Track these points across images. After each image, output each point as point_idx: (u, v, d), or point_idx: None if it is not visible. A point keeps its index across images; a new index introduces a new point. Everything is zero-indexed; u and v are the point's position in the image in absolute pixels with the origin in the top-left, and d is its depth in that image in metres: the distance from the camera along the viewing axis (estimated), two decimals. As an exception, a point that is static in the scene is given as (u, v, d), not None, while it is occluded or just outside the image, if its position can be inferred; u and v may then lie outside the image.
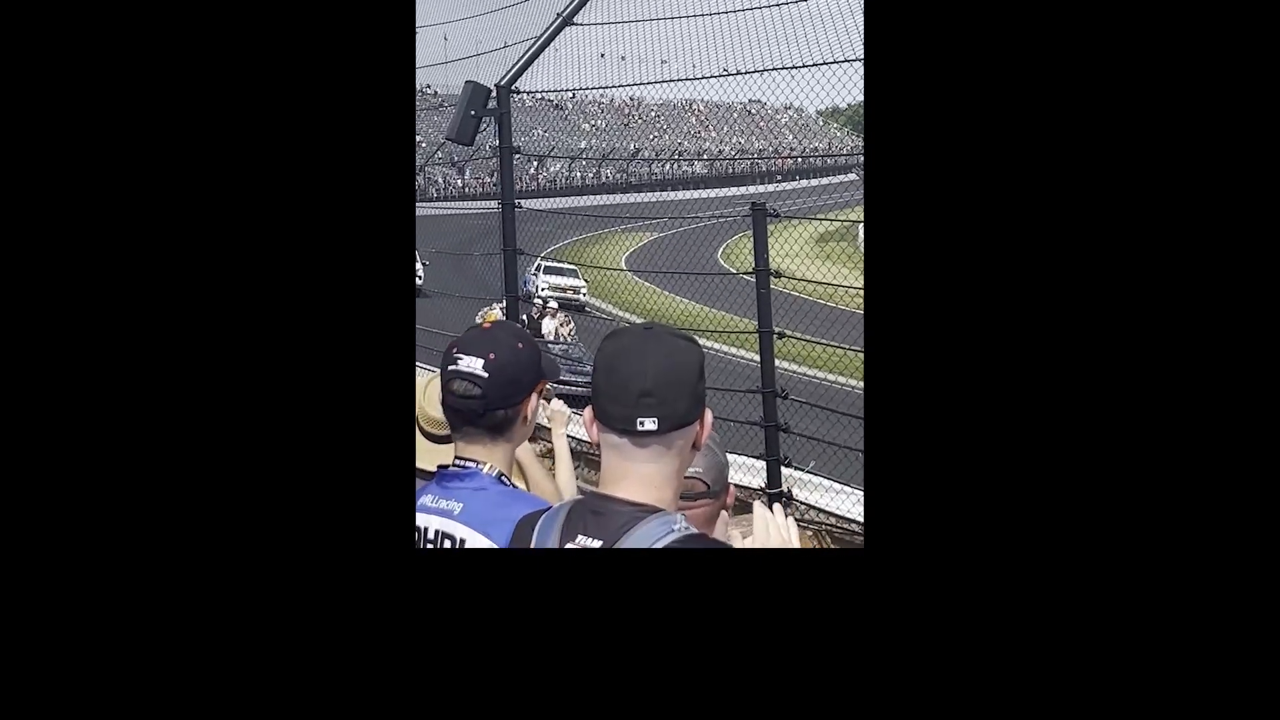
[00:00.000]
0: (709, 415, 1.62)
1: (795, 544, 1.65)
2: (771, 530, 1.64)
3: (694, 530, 1.58)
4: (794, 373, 9.65)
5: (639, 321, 1.73)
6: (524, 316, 13.37)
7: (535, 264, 21.07)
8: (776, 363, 5.67)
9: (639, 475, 1.56)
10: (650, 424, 1.53)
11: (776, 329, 5.63)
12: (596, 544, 1.53)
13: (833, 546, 5.42)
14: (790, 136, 61.22)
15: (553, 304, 15.58)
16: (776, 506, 1.71)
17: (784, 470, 5.64)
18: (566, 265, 20.73)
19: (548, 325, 15.65)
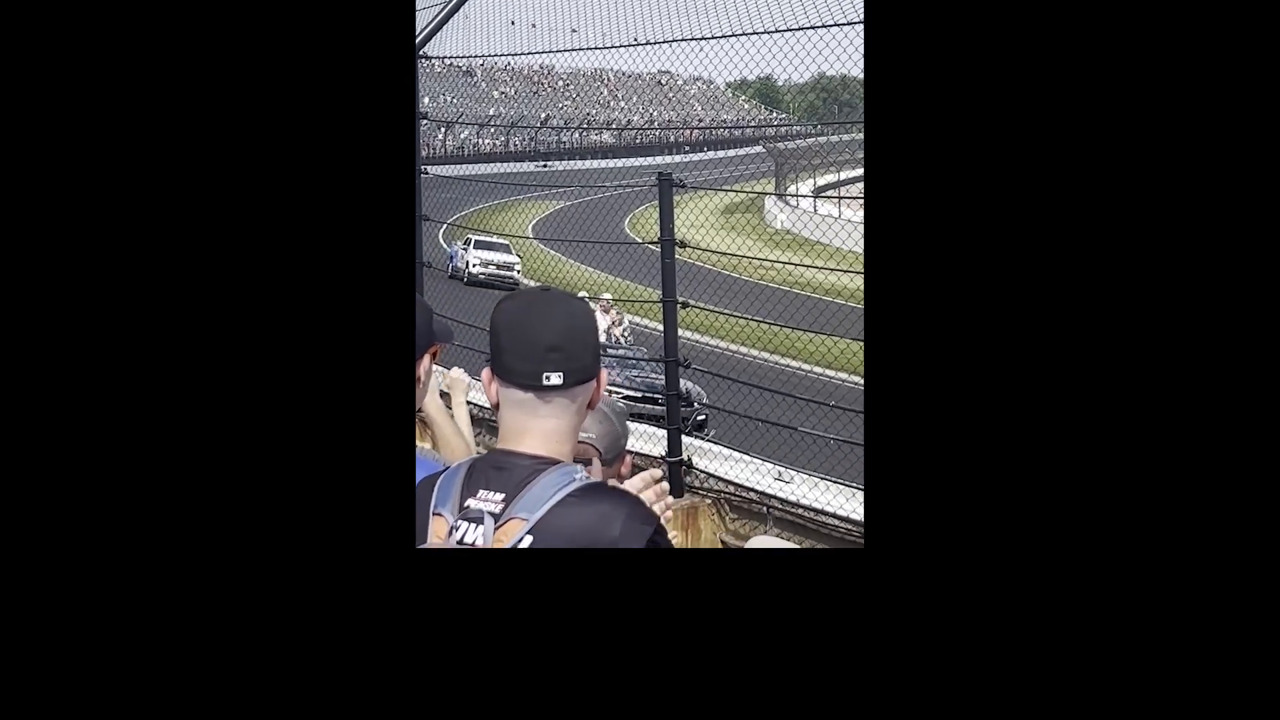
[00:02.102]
0: (604, 374, 1.65)
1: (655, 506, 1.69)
2: (647, 494, 1.68)
3: (594, 480, 1.61)
4: (696, 342, 9.76)
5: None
6: None
7: (465, 238, 20.56)
8: (679, 332, 5.71)
9: (540, 430, 1.59)
10: (556, 378, 1.57)
11: (680, 298, 5.67)
12: (499, 498, 1.55)
13: (731, 515, 5.50)
14: (699, 108, 61.27)
15: (605, 297, 13.07)
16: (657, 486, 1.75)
17: (684, 439, 5.70)
18: (498, 240, 19.91)
19: (600, 324, 14.16)
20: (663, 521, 1.68)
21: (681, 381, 10.65)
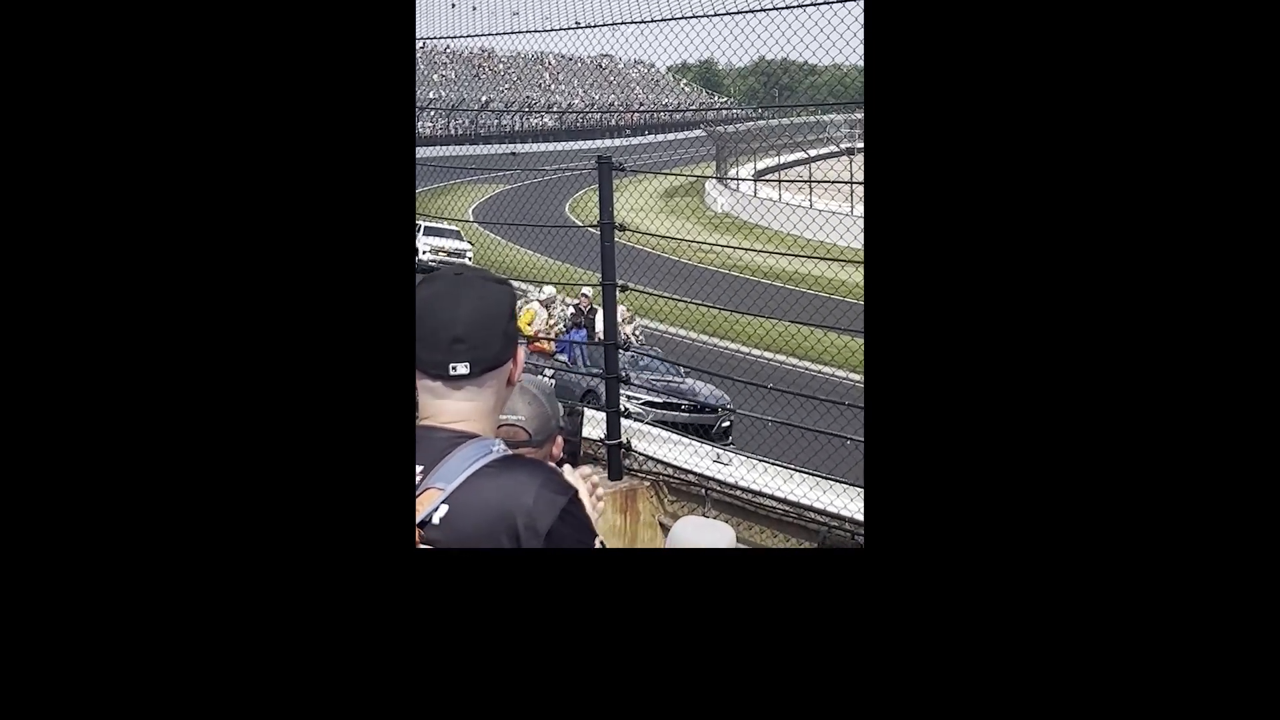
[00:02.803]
0: (521, 353, 1.67)
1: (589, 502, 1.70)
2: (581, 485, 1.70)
3: (510, 452, 1.63)
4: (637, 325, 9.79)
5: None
6: (566, 311, 12.22)
7: (415, 224, 20.01)
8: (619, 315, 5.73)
9: (455, 411, 1.61)
10: (463, 369, 1.59)
11: (620, 282, 5.69)
12: (418, 469, 1.57)
13: (670, 497, 5.53)
14: (640, 92, 61.17)
15: (587, 291, 12.37)
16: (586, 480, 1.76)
17: (623, 421, 5.73)
18: (448, 226, 19.54)
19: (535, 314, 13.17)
20: (596, 515, 1.70)
21: (705, 386, 10.51)
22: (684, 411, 10.02)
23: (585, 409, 2.09)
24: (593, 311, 11.81)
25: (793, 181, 26.11)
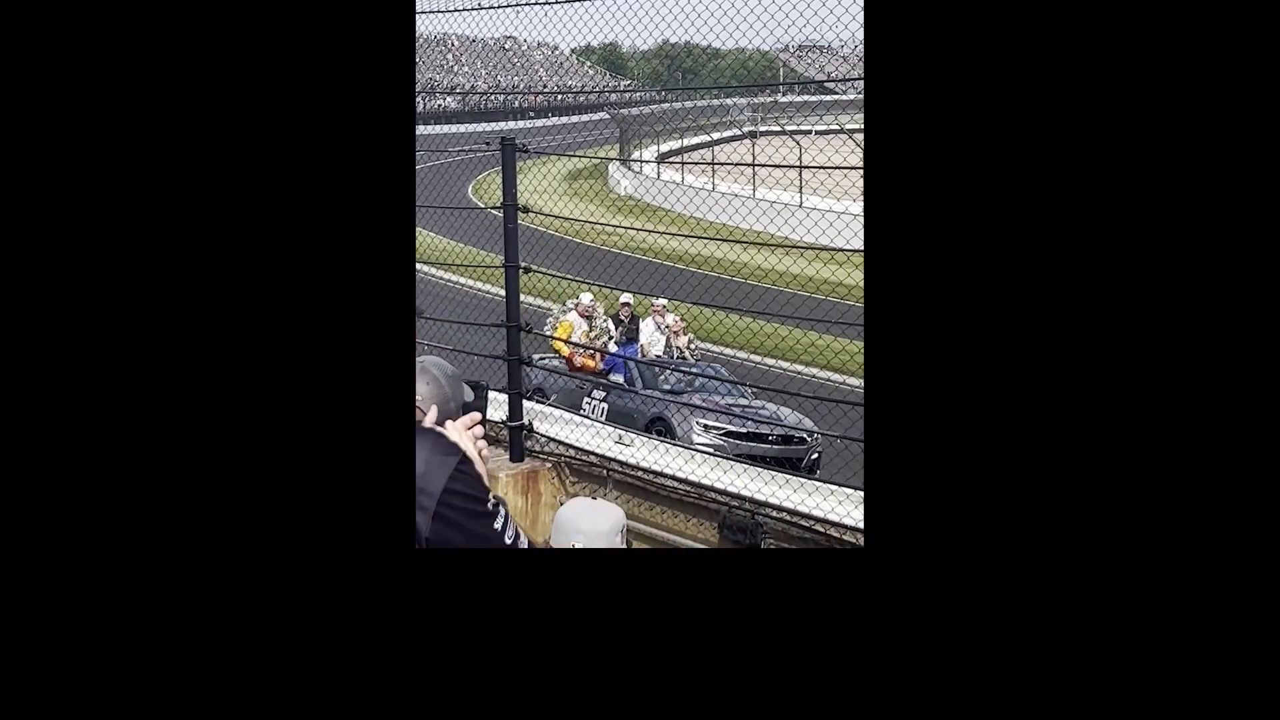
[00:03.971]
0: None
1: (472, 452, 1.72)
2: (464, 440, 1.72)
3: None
4: (538, 307, 9.75)
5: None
6: (607, 322, 10.07)
7: None
8: (521, 297, 5.73)
9: None
10: None
11: (523, 264, 5.69)
12: None
13: (572, 479, 5.55)
14: (544, 74, 60.90)
15: (659, 301, 10.38)
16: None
17: (525, 403, 5.74)
18: None
19: (650, 332, 10.43)
20: (481, 457, 1.72)
21: (789, 411, 8.65)
22: (772, 443, 8.45)
23: (489, 388, 2.08)
24: (634, 320, 10.36)
25: (695, 164, 26.19)
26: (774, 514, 4.70)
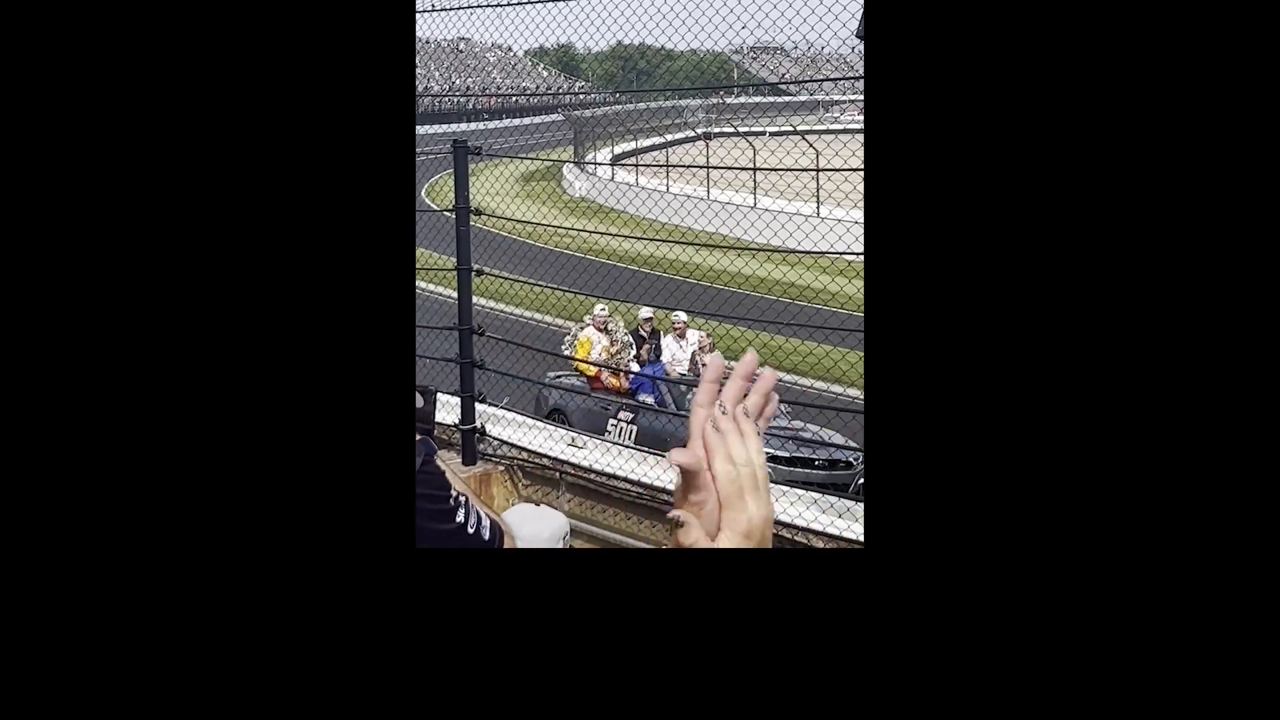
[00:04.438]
0: None
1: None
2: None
3: None
4: (491, 309, 9.73)
5: None
6: (628, 337, 9.47)
7: None
8: (474, 300, 5.73)
9: None
10: None
11: (475, 266, 5.69)
12: None
13: (525, 481, 5.55)
14: (498, 76, 60.77)
15: (680, 316, 9.75)
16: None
17: (478, 406, 5.73)
18: None
19: (675, 348, 9.72)
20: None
21: (832, 432, 7.89)
22: (819, 468, 7.78)
23: (437, 391, 2.08)
24: (655, 336, 9.69)
25: (650, 166, 26.23)
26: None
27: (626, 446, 5.81)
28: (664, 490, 4.98)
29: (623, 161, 28.53)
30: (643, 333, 9.67)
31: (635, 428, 8.48)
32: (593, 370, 9.03)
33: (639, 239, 14.30)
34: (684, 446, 0.94)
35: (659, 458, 5.39)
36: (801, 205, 19.95)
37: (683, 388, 8.72)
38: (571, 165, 29.21)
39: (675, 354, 9.56)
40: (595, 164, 28.37)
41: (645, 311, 9.75)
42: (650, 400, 8.91)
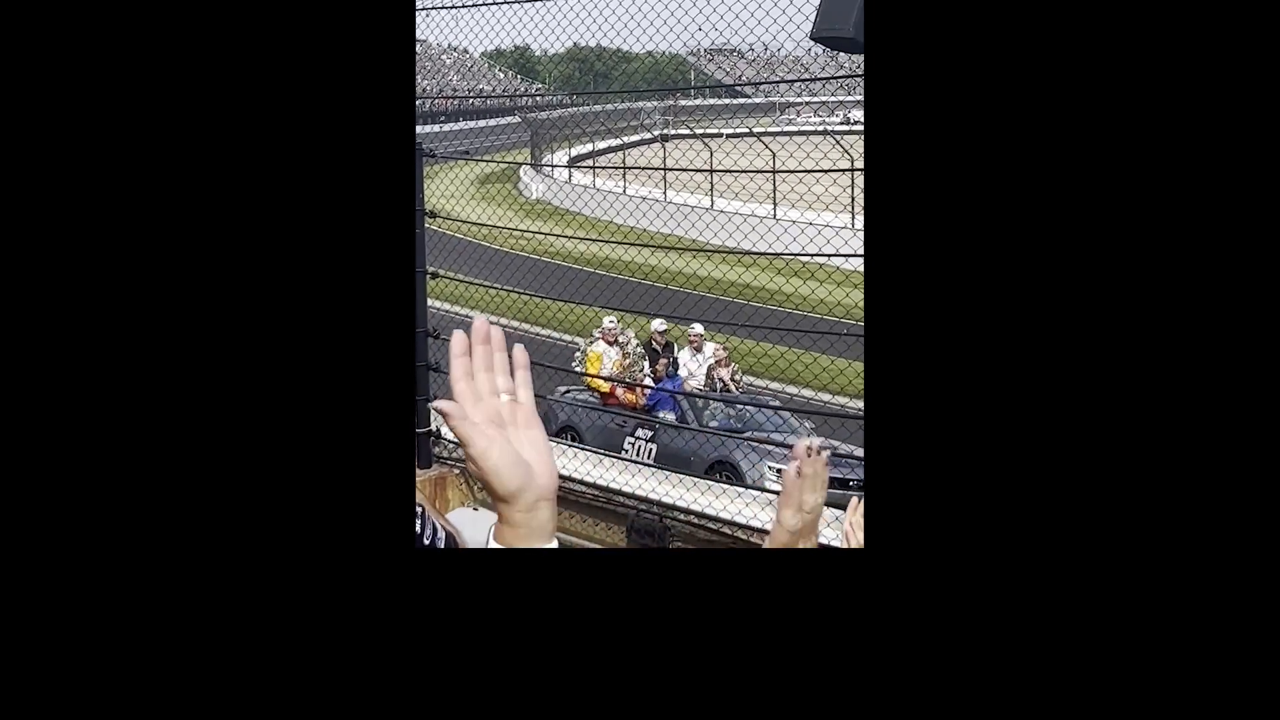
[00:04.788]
0: None
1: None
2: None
3: None
4: (447, 312, 9.70)
5: None
6: (640, 349, 9.00)
7: None
8: (430, 302, 5.72)
9: None
10: None
11: (431, 269, 5.68)
12: None
13: (478, 484, 5.54)
14: (454, 77, 60.58)
15: (696, 328, 9.42)
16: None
17: (433, 408, 5.72)
18: None
19: (689, 362, 9.35)
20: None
21: (846, 445, 7.33)
22: (854, 487, 6.79)
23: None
24: (669, 349, 9.27)
25: (607, 168, 26.22)
26: (681, 516, 4.75)
27: (647, 465, 5.65)
28: (620, 492, 4.99)
29: (580, 164, 28.53)
30: (656, 345, 9.30)
31: (655, 446, 8.19)
32: (606, 386, 8.71)
33: (596, 241, 14.31)
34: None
35: (694, 480, 5.16)
36: (757, 207, 20.02)
37: (701, 403, 8.42)
38: (528, 168, 29.16)
39: (690, 368, 9.18)
40: (552, 166, 28.34)
41: (658, 323, 9.36)
42: (671, 417, 8.51)
